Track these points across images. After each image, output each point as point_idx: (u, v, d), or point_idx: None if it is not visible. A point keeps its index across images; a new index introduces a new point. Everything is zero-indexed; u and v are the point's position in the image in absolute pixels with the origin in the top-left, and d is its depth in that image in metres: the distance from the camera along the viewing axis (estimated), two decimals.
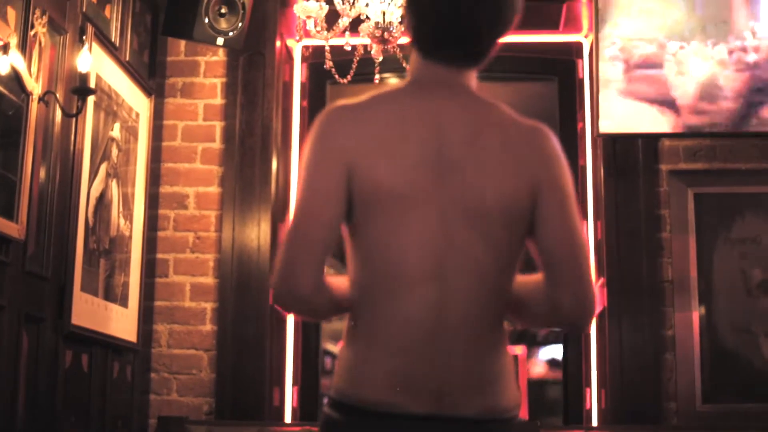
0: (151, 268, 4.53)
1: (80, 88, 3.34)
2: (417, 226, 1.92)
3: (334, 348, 9.21)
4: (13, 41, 3.09)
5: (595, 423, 4.49)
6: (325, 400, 2.07)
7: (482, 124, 1.99)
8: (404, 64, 4.30)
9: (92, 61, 3.71)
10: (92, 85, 3.65)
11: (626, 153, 4.56)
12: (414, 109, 1.98)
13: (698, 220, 4.47)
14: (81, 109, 3.40)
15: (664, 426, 4.29)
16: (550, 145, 2.01)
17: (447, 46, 2.01)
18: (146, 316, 4.44)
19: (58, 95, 3.40)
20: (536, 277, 2.02)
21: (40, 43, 3.32)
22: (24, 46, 3.21)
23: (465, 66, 2.04)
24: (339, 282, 2.02)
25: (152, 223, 4.56)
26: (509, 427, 1.97)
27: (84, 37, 3.46)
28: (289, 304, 2.02)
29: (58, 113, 3.46)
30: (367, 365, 1.94)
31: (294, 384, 4.73)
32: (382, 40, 3.90)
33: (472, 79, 2.06)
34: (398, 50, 4.27)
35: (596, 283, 2.03)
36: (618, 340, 4.39)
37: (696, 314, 4.38)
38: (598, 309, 2.02)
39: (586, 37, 4.86)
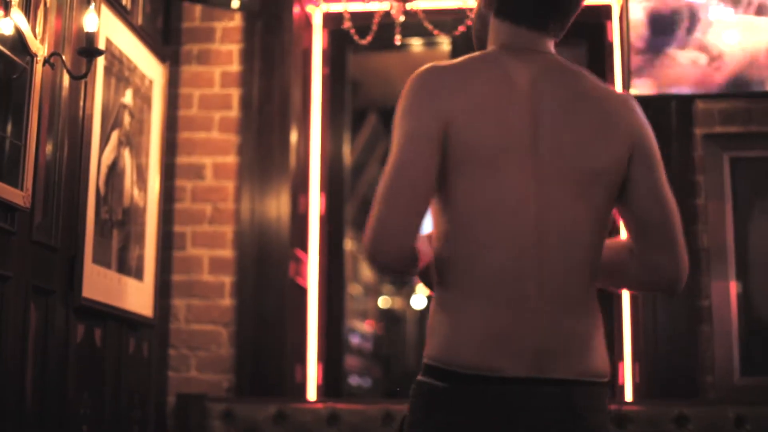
0: (168, 240, 4.40)
1: (87, 48, 3.19)
2: (512, 185, 1.92)
3: (361, 326, 9.13)
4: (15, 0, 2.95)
5: (629, 398, 4.33)
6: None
7: (576, 90, 2.02)
8: (430, 29, 4.18)
9: (102, 24, 3.58)
10: (101, 48, 3.51)
11: (659, 117, 4.36)
12: (509, 71, 1.99)
13: (734, 185, 4.28)
14: (88, 71, 3.26)
15: (700, 400, 4.12)
16: (641, 115, 2.05)
17: (538, 11, 2.05)
18: (163, 290, 4.31)
19: (64, 58, 3.26)
20: (623, 242, 2.05)
21: (45, 4, 3.18)
22: (27, 7, 3.07)
23: (551, 32, 2.07)
24: (421, 238, 1.98)
25: (168, 194, 4.42)
26: (603, 391, 1.96)
27: None
28: (385, 260, 1.91)
29: (66, 77, 3.32)
30: (465, 327, 1.92)
31: (319, 361, 4.60)
32: None
33: (553, 47, 2.09)
34: (422, 14, 4.15)
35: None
36: (652, 311, 4.23)
37: (733, 283, 4.20)
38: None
39: None
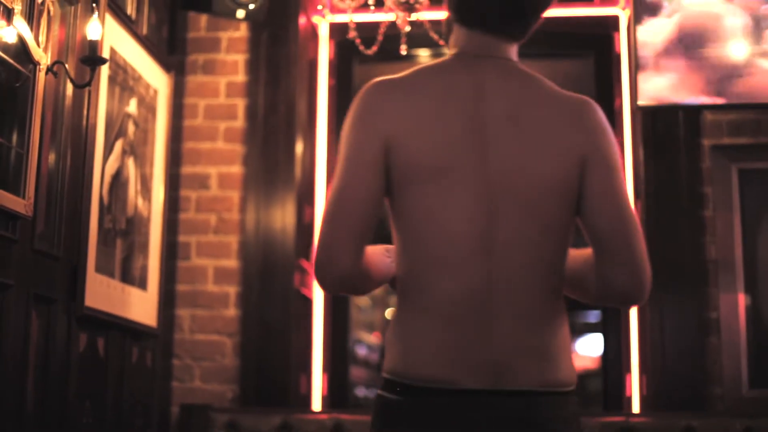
0: (172, 250, 4.38)
1: (90, 57, 3.18)
2: (461, 200, 1.88)
3: (368, 338, 9.10)
4: (18, 8, 2.94)
5: (636, 410, 4.29)
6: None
7: (527, 97, 1.95)
8: (436, 39, 4.16)
9: (106, 33, 3.57)
10: (106, 57, 3.50)
11: (667, 128, 4.35)
12: (456, 81, 1.95)
13: (743, 197, 4.25)
14: (91, 80, 3.24)
15: (708, 412, 4.08)
16: (597, 118, 1.97)
17: (493, 16, 1.99)
18: (168, 300, 4.30)
19: (67, 67, 3.25)
20: (587, 252, 1.97)
21: (48, 13, 3.17)
22: (30, 16, 3.06)
23: (510, 38, 2.02)
24: (375, 253, 1.98)
25: (173, 204, 4.41)
26: (567, 402, 1.91)
27: (94, 5, 3.30)
28: (331, 284, 1.93)
29: (69, 86, 3.31)
30: (419, 341, 1.88)
31: (324, 371, 4.57)
32: (408, 7, 3.73)
33: (515, 53, 2.03)
34: (429, 24, 4.14)
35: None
36: (659, 323, 4.20)
37: (741, 295, 4.17)
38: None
39: (623, 9, 4.66)
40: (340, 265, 1.87)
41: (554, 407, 1.89)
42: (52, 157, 3.21)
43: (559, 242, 1.94)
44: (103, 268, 3.58)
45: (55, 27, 3.24)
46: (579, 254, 2.00)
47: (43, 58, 3.10)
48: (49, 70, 3.15)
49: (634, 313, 4.41)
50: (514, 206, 1.89)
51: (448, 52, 2.06)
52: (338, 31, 4.82)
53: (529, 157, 1.90)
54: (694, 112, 4.30)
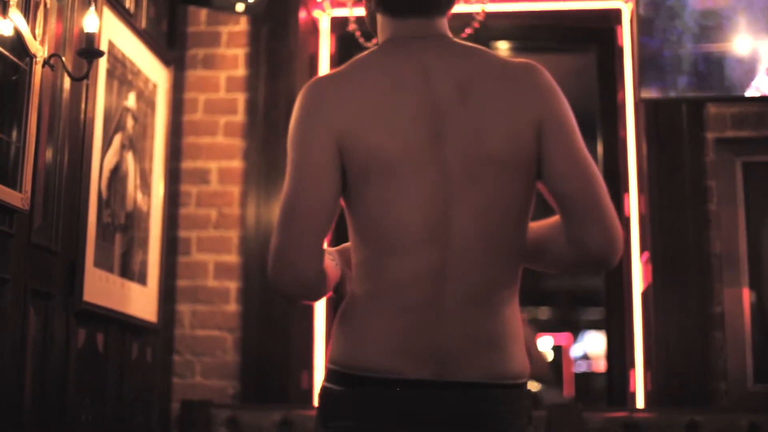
0: (173, 245, 4.35)
1: (87, 49, 3.15)
2: (417, 188, 1.82)
3: None
4: (13, 0, 2.92)
5: (641, 405, 4.26)
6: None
7: (473, 72, 1.89)
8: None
9: (104, 26, 3.55)
10: (104, 50, 3.47)
11: (670, 121, 4.31)
12: (398, 67, 1.89)
13: (747, 190, 4.21)
14: (89, 73, 3.22)
15: (713, 407, 4.05)
16: (545, 80, 1.91)
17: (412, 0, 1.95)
18: (168, 295, 4.27)
19: (64, 60, 3.22)
20: (551, 221, 1.92)
21: (45, 5, 3.15)
22: (27, 9, 3.04)
23: (435, 13, 1.97)
24: (328, 258, 1.91)
25: (173, 199, 4.38)
26: (517, 394, 1.86)
27: None
28: (292, 292, 1.86)
29: (67, 79, 3.29)
30: (365, 332, 1.83)
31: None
32: None
33: (446, 27, 1.97)
34: None
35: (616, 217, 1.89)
36: (664, 318, 4.16)
37: (746, 290, 4.13)
38: (620, 246, 1.87)
39: (626, 2, 4.62)
40: (304, 272, 1.80)
41: (502, 401, 1.83)
42: (49, 151, 3.18)
43: (520, 222, 1.89)
44: (102, 263, 3.55)
45: (52, 20, 3.21)
46: (541, 225, 1.95)
47: (40, 50, 3.07)
48: (45, 63, 3.12)
49: (638, 308, 4.37)
50: (472, 186, 1.83)
51: (379, 41, 2.01)
52: (339, 25, 4.79)
53: (485, 133, 1.84)
54: (697, 105, 4.26)
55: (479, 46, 1.97)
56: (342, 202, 1.90)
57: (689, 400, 4.08)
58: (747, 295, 4.12)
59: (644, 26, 4.08)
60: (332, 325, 1.92)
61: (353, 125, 1.84)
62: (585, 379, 11.27)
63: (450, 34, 1.98)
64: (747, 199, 4.19)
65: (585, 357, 11.48)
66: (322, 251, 1.85)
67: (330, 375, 1.86)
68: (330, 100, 1.86)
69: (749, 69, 3.99)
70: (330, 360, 1.87)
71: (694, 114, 4.29)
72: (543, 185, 1.89)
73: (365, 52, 1.97)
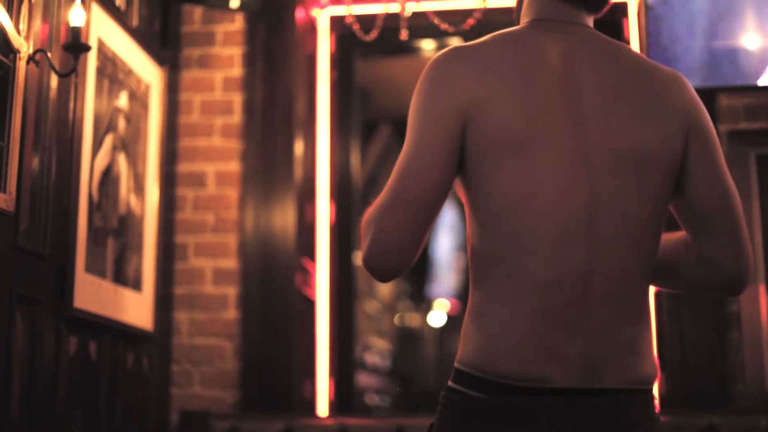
0: (169, 251, 4.22)
1: (73, 44, 3.03)
2: (556, 174, 1.68)
3: (379, 342, 8.95)
4: None
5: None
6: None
7: (619, 64, 1.78)
8: (442, 27, 4.06)
9: (93, 23, 3.43)
10: (93, 48, 3.35)
11: None
12: (540, 45, 1.76)
13: (761, 184, 4.07)
14: (75, 68, 3.09)
15: (730, 409, 3.90)
16: (693, 92, 1.85)
17: None
18: (165, 303, 4.14)
19: (50, 56, 3.09)
20: (679, 236, 1.82)
21: (30, 0, 3.02)
22: (10, 2, 2.91)
23: (588, 6, 1.87)
24: None
25: (169, 203, 4.25)
26: (652, 398, 1.75)
27: None
28: (385, 275, 1.75)
29: (54, 77, 3.16)
30: (505, 332, 1.69)
31: (331, 376, 4.40)
32: None
33: (592, 23, 1.87)
34: (434, 15, 4.04)
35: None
36: (678, 318, 4.03)
37: (762, 287, 3.98)
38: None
39: None
40: (401, 259, 1.71)
41: (642, 406, 1.73)
42: (36, 151, 3.05)
43: (658, 225, 1.77)
44: (94, 268, 3.42)
45: (38, 15, 3.09)
46: (669, 238, 1.84)
47: (24, 46, 2.95)
48: (30, 59, 2.99)
49: (651, 307, 4.23)
50: (615, 182, 1.71)
51: (521, 21, 1.89)
52: (339, 23, 4.67)
53: (629, 127, 1.73)
54: (709, 96, 4.12)
55: (627, 45, 1.88)
56: (459, 186, 1.77)
57: (705, 402, 3.94)
58: (764, 293, 3.98)
59: (653, 15, 3.95)
60: (464, 324, 1.77)
61: (483, 98, 1.70)
62: None
63: (591, 24, 1.88)
64: (762, 192, 4.05)
65: None
66: (425, 238, 1.73)
67: (465, 378, 1.72)
68: (460, 71, 1.74)
69: (762, 58, 3.85)
70: (464, 363, 1.73)
71: (706, 106, 4.07)
72: (677, 197, 1.80)
73: (509, 29, 1.85)
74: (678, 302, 4.02)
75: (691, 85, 1.84)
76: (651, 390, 1.76)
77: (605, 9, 1.91)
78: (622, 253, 1.72)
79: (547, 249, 1.69)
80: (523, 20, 1.89)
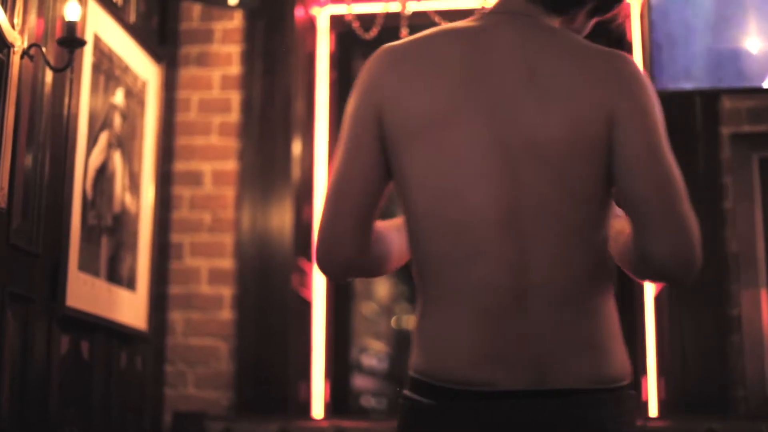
0: (164, 250, 4.17)
1: (68, 38, 2.98)
2: (470, 160, 1.63)
3: (377, 344, 8.91)
4: None
5: (654, 414, 4.07)
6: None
7: (547, 48, 1.70)
8: (439, 22, 4.01)
9: (89, 18, 3.39)
10: (89, 42, 3.31)
11: (682, 117, 4.13)
12: (465, 37, 1.71)
13: (764, 187, 4.02)
14: (70, 62, 3.04)
15: (731, 415, 3.86)
16: (630, 69, 1.69)
17: None
18: (160, 303, 4.09)
19: (45, 51, 3.04)
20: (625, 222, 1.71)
21: None
22: None
23: (545, 3, 1.77)
24: (391, 229, 1.80)
25: (165, 202, 4.20)
26: (621, 397, 1.64)
27: None
28: (335, 273, 1.75)
29: (49, 73, 3.11)
30: (451, 336, 1.64)
31: (326, 378, 4.35)
32: None
33: (548, 19, 1.77)
34: (435, 14, 4.02)
35: (698, 231, 1.64)
36: (678, 321, 3.98)
37: (764, 291, 3.94)
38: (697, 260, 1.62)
39: None
40: (345, 253, 1.70)
41: (607, 406, 1.63)
42: (29, 147, 3.00)
43: (590, 213, 1.67)
44: (87, 267, 3.37)
45: (33, 9, 3.04)
46: (622, 225, 1.74)
47: (18, 40, 2.91)
48: (25, 53, 2.95)
49: (650, 312, 4.19)
50: (531, 170, 1.63)
51: None
52: (338, 22, 4.63)
53: (546, 111, 1.64)
54: (711, 99, 4.08)
55: (567, 30, 1.78)
56: (394, 187, 1.75)
57: (706, 407, 3.89)
58: (765, 296, 3.94)
59: (657, 16, 3.91)
60: (413, 326, 1.74)
61: (395, 88, 1.70)
62: None
63: (555, 23, 1.79)
64: (764, 196, 4.01)
65: None
66: (368, 234, 1.71)
67: (416, 385, 1.68)
68: (380, 67, 1.74)
69: (767, 60, 3.81)
70: (414, 369, 1.69)
71: (708, 108, 4.11)
72: (615, 185, 1.68)
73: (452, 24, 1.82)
74: (679, 306, 3.97)
75: (633, 64, 1.72)
76: (620, 389, 1.65)
77: (576, 12, 1.79)
78: (555, 245, 1.64)
79: (474, 246, 1.64)
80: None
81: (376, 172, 1.70)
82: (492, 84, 1.67)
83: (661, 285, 1.60)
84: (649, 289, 4.21)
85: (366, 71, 1.76)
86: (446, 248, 1.66)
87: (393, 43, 1.79)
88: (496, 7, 1.81)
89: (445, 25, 1.80)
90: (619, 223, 1.75)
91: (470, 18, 1.81)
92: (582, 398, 1.61)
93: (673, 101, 4.10)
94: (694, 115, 4.12)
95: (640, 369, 4.27)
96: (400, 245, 1.80)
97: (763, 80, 3.81)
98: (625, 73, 1.69)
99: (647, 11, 4.02)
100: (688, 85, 3.87)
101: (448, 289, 1.66)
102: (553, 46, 1.72)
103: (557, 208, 1.64)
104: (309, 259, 4.35)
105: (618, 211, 1.77)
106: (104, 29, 3.54)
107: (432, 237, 1.67)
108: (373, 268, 1.80)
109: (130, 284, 3.75)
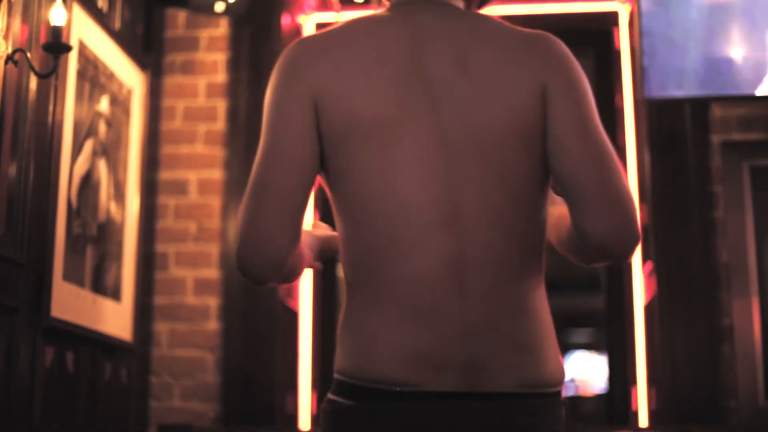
0: (149, 260, 4.11)
1: (53, 43, 2.93)
2: (414, 159, 1.59)
3: None
4: None
5: (644, 424, 4.03)
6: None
7: (474, 37, 1.67)
8: None
9: (74, 24, 3.33)
10: (74, 48, 3.26)
11: (672, 125, 4.11)
12: (391, 26, 1.67)
13: (755, 196, 4.00)
14: (55, 68, 2.99)
15: (723, 426, 3.83)
16: (558, 49, 1.68)
17: None
18: (144, 313, 4.03)
19: (30, 56, 2.99)
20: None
21: (9, 1, 2.92)
22: None
23: None
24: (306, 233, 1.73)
25: (150, 211, 4.14)
26: (554, 404, 1.60)
27: None
28: (258, 273, 1.61)
29: (33, 79, 3.06)
30: (378, 337, 1.58)
31: (313, 389, 4.30)
32: None
33: (461, 3, 1.76)
34: None
35: (635, 204, 1.63)
36: (668, 332, 3.94)
37: (755, 300, 3.91)
38: (637, 237, 1.61)
39: (623, 3, 4.44)
40: (276, 250, 1.59)
41: (538, 411, 1.59)
42: (13, 155, 2.95)
43: (529, 210, 1.64)
44: (72, 277, 3.31)
45: (17, 14, 2.99)
46: (561, 211, 1.72)
47: (2, 45, 2.85)
48: (9, 59, 2.90)
49: (640, 322, 4.16)
50: (474, 165, 1.60)
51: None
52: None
53: (484, 102, 1.62)
54: (701, 107, 4.06)
55: (490, 16, 1.75)
56: (323, 183, 1.69)
57: (697, 418, 3.86)
58: (757, 306, 3.91)
59: (647, 23, 3.89)
60: (338, 327, 1.68)
61: (332, 82, 1.63)
62: (572, 402, 11.11)
63: (462, 7, 1.77)
64: (755, 204, 3.98)
65: (571, 380, 11.33)
66: (298, 230, 1.62)
67: (338, 387, 1.62)
68: (308, 59, 1.67)
69: (758, 67, 3.79)
70: (337, 370, 1.63)
71: (699, 116, 4.09)
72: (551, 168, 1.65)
73: (363, 15, 1.77)
74: (669, 316, 3.94)
75: (560, 45, 1.70)
76: (553, 394, 1.62)
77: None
78: (496, 241, 1.60)
79: (411, 243, 1.59)
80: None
81: (312, 163, 1.63)
82: (428, 78, 1.64)
83: (602, 264, 1.53)
84: (640, 299, 4.18)
85: (289, 61, 1.69)
86: (382, 245, 1.61)
87: (312, 34, 1.75)
88: None
89: (363, 16, 1.75)
90: (558, 210, 1.72)
91: (383, 8, 1.78)
92: (513, 402, 1.57)
93: (662, 109, 4.08)
94: (684, 123, 4.09)
95: (630, 380, 4.24)
96: (308, 253, 1.74)
97: (753, 88, 3.79)
98: (553, 53, 1.68)
99: (637, 19, 4.00)
100: (678, 93, 3.85)
101: (380, 287, 1.61)
102: (479, 33, 1.70)
103: (497, 204, 1.61)
104: None
105: (557, 199, 1.74)
106: (89, 36, 3.49)
107: (369, 235, 1.62)
108: (294, 270, 1.68)
109: (115, 294, 3.69)
